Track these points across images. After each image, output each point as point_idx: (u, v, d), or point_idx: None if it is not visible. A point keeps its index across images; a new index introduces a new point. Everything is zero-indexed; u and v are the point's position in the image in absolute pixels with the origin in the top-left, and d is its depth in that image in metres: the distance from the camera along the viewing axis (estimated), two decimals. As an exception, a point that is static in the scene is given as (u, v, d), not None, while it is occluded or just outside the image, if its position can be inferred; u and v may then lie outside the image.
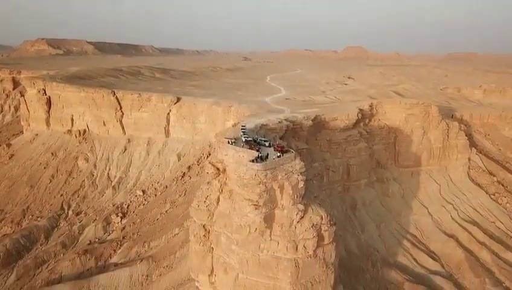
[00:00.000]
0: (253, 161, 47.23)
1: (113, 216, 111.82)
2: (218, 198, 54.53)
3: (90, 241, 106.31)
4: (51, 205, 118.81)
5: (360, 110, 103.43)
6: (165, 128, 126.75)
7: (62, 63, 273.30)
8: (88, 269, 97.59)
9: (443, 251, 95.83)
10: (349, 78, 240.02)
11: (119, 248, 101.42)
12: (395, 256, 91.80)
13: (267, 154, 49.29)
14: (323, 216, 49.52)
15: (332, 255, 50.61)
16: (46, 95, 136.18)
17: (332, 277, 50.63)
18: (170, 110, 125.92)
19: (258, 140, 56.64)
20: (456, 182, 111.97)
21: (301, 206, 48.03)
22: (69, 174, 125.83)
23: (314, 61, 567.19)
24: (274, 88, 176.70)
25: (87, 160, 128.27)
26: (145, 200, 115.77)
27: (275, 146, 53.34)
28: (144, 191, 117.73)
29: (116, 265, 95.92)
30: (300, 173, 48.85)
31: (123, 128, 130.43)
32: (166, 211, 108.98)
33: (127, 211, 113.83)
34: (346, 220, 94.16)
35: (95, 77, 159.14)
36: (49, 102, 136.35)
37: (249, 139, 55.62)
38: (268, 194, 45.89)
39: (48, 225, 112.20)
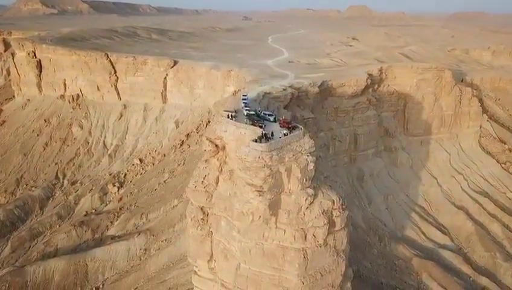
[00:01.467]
0: (256, 140, 41.24)
1: (110, 186, 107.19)
2: (218, 178, 48.98)
3: (86, 212, 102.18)
4: (46, 174, 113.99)
5: (369, 75, 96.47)
6: (162, 93, 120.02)
7: (55, 23, 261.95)
8: (84, 242, 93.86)
9: (452, 224, 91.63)
10: (353, 39, 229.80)
11: (117, 220, 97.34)
12: (403, 230, 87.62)
13: (272, 132, 43.23)
14: (335, 200, 44.09)
15: (343, 241, 45.59)
16: (36, 58, 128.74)
17: (343, 264, 45.85)
18: (167, 75, 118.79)
19: (262, 114, 50.40)
20: (466, 151, 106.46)
21: (311, 191, 42.52)
22: (63, 142, 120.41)
23: (317, 21, 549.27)
24: (276, 50, 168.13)
25: (81, 127, 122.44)
26: (142, 169, 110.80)
27: (281, 121, 47.15)
28: (141, 160, 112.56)
29: (113, 238, 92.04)
30: (310, 153, 43.02)
31: (118, 93, 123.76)
32: (164, 181, 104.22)
33: (124, 180, 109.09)
34: (352, 192, 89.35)
35: (88, 39, 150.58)
36: (39, 65, 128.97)
37: (252, 112, 49.36)
38: (274, 178, 40.25)
39: (42, 195, 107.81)
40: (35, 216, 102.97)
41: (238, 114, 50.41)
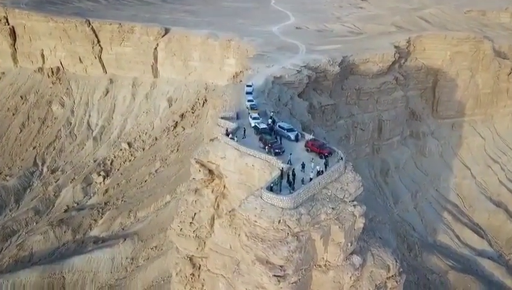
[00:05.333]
0: (272, 186, 24.45)
1: (95, 175, 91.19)
2: (213, 218, 32.63)
3: (67, 206, 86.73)
4: (22, 160, 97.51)
5: (396, 48, 77.85)
6: (152, 66, 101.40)
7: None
8: (64, 244, 78.94)
9: (490, 224, 76.64)
10: (363, 0, 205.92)
11: (101, 218, 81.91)
12: (435, 234, 72.42)
13: (293, 170, 26.05)
14: (391, 265, 27.92)
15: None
16: (8, 25, 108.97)
17: None
18: (157, 45, 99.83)
19: (277, 126, 33.20)
20: (502, 135, 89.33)
21: (357, 260, 26.36)
22: (43, 122, 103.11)
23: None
24: (281, 13, 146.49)
25: (62, 105, 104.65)
26: (131, 155, 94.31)
27: (309, 144, 30.14)
28: (129, 144, 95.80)
29: (96, 242, 76.81)
30: (357, 200, 26.50)
31: (103, 66, 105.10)
32: (155, 171, 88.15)
33: (110, 168, 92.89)
34: (376, 189, 73.30)
35: (69, 2, 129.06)
36: (13, 33, 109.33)
37: (263, 125, 32.21)
38: (303, 252, 23.97)
39: (18, 185, 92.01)
40: (10, 211, 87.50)
41: (240, 124, 33.17)
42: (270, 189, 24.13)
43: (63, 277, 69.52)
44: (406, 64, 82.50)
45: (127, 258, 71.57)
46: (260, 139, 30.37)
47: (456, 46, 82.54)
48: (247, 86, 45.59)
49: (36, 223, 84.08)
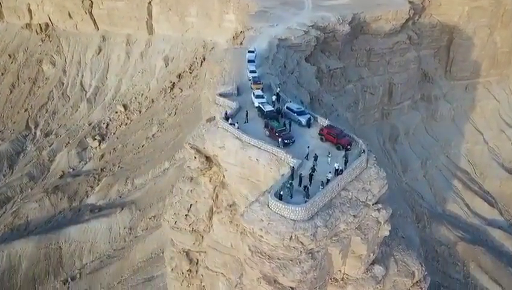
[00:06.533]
0: (281, 194, 19.84)
1: (90, 139, 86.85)
2: (211, 210, 28.46)
3: (62, 172, 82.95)
4: (14, 122, 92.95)
5: (411, 3, 70.71)
6: (147, 22, 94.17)
7: None
8: (60, 212, 75.95)
9: (501, 192, 73.15)
10: None
11: (97, 184, 78.41)
12: (444, 203, 69.08)
13: (312, 168, 21.54)
14: (416, 271, 24.06)
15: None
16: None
17: None
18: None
19: (285, 108, 28.15)
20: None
21: (380, 271, 22.40)
22: (33, 83, 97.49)
23: None
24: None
25: (53, 64, 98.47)
26: (127, 118, 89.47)
27: (324, 131, 25.23)
28: (125, 106, 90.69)
29: (93, 209, 73.69)
30: (381, 201, 22.12)
31: (95, 22, 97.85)
32: (153, 136, 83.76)
33: (105, 132, 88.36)
34: (384, 156, 68.87)
35: None
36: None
37: (269, 108, 27.14)
38: (318, 269, 19.88)
39: (11, 149, 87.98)
40: (4, 176, 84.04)
41: (242, 103, 28.25)
42: (279, 197, 19.65)
43: (60, 247, 66.99)
44: (420, 21, 75.55)
45: (124, 228, 68.80)
46: (266, 126, 25.54)
47: (475, 0, 75.13)
48: (249, 51, 39.98)
49: (31, 190, 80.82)
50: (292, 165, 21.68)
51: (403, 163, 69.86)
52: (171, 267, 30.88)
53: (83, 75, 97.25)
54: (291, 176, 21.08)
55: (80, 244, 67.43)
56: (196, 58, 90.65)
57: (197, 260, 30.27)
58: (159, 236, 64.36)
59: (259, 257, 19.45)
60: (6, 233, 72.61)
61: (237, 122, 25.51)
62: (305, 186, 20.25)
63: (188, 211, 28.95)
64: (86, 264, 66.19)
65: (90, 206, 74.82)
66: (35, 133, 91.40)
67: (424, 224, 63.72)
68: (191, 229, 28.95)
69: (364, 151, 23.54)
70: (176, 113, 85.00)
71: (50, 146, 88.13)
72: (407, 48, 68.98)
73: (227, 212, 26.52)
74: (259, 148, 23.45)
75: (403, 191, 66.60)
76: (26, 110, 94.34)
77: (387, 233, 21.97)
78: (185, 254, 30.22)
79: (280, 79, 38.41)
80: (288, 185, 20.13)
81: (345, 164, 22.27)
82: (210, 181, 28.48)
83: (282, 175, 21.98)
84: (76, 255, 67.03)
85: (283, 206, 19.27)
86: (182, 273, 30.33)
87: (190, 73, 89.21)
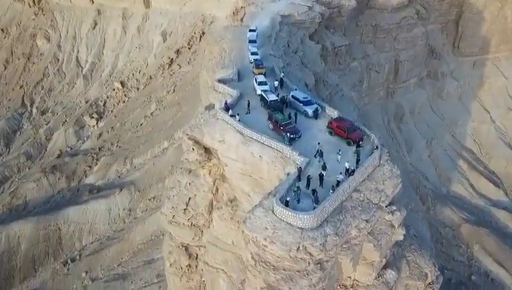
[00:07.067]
0: (287, 201, 17.90)
1: (87, 118, 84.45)
2: (211, 204, 26.76)
3: (60, 151, 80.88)
4: (10, 100, 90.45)
5: (419, -26, 67.14)
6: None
7: None
8: (59, 192, 74.53)
9: (507, 172, 71.69)
10: None
11: (96, 164, 76.72)
12: (449, 184, 67.63)
13: (323, 166, 19.56)
14: (429, 272, 22.55)
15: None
16: None
17: None
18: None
19: (290, 97, 25.90)
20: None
21: (392, 275, 20.84)
22: (28, 59, 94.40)
23: None
24: None
25: (48, 39, 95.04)
26: (125, 95, 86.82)
27: (334, 125, 23.03)
28: (122, 83, 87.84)
29: (92, 189, 72.23)
30: (394, 197, 20.31)
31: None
32: (151, 114, 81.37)
33: (103, 110, 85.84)
34: (388, 136, 67.00)
35: None
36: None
37: (272, 98, 24.85)
38: (327, 279, 18.23)
39: (7, 127, 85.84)
40: (0, 155, 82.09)
41: (243, 90, 26.06)
42: (286, 203, 17.77)
43: (59, 228, 65.95)
44: (427, -7, 72.03)
45: (124, 209, 67.60)
46: (269, 118, 23.42)
47: (487, -28, 71.52)
48: (251, 30, 37.37)
49: (29, 169, 79.24)
50: (299, 165, 19.71)
51: (407, 143, 68.04)
52: (169, 262, 29.48)
53: (78, 51, 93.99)
54: (298, 177, 19.22)
55: (79, 226, 66.39)
56: (195, 33, 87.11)
57: (197, 254, 28.83)
58: (158, 218, 62.81)
59: (263, 267, 17.83)
60: (5, 213, 71.45)
61: (238, 114, 23.35)
62: (313, 190, 18.39)
63: (187, 205, 27.27)
64: (86, 245, 65.37)
65: (89, 186, 73.34)
66: (31, 110, 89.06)
67: (428, 206, 62.45)
68: (189, 224, 27.36)
69: (377, 147, 21.57)
70: (174, 90, 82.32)
71: (47, 124, 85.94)
72: (414, 23, 65.95)
73: (227, 208, 24.82)
74: (263, 143, 21.47)
75: (408, 172, 64.92)
76: (21, 87, 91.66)
77: (401, 237, 20.34)
78: (184, 248, 28.75)
79: (283, 60, 36.00)
80: (295, 189, 18.27)
81: (357, 162, 20.34)
82: (209, 174, 26.66)
83: (288, 174, 20.11)
84: (76, 237, 66.11)
85: (290, 213, 17.43)
86: (181, 268, 28.96)
87: (189, 48, 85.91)
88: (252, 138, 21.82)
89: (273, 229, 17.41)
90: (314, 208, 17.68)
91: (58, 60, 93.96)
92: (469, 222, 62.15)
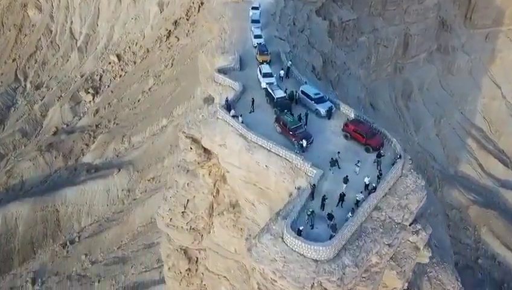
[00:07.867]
0: (300, 231, 15.16)
1: (83, 93, 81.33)
2: (211, 206, 24.37)
3: (56, 128, 78.23)
4: (2, 74, 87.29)
5: None
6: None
7: None
8: (56, 171, 72.37)
9: (517, 150, 68.61)
10: None
11: (93, 142, 74.20)
12: (457, 164, 65.20)
13: (343, 193, 16.57)
14: (452, 288, 20.42)
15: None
16: None
17: None
18: None
19: (300, 92, 22.84)
20: (541, 47, 76.85)
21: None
22: (19, 30, 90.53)
23: None
24: None
25: (39, 9, 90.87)
26: (121, 69, 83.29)
27: (351, 128, 19.99)
28: (119, 57, 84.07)
29: (89, 168, 70.01)
30: (418, 213, 17.84)
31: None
32: (149, 90, 78.10)
33: (99, 85, 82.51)
34: (395, 114, 64.10)
35: None
36: None
37: (279, 94, 21.81)
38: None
39: (1, 103, 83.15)
40: (-5, 132, 79.51)
41: (246, 83, 23.06)
42: (298, 232, 15.19)
43: (57, 209, 64.18)
44: (440, -40, 67.08)
45: (122, 190, 65.60)
46: (277, 120, 20.50)
47: None
48: (253, 8, 33.83)
49: (24, 147, 77.05)
50: (312, 181, 16.94)
51: (415, 121, 65.13)
52: (168, 266, 27.43)
53: (72, 22, 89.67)
54: (311, 195, 16.63)
55: (77, 207, 64.58)
56: (193, 3, 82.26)
57: (197, 258, 26.75)
58: (158, 200, 60.64)
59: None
60: (2, 193, 69.73)
61: (241, 115, 20.41)
62: (329, 214, 15.79)
63: (185, 207, 24.87)
64: (85, 227, 63.77)
65: (87, 165, 71.15)
66: (25, 85, 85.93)
67: (435, 187, 60.26)
68: (188, 228, 25.09)
69: (400, 156, 18.83)
70: (172, 64, 78.60)
71: (41, 100, 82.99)
72: (426, -6, 61.55)
73: (229, 215, 22.42)
74: (269, 150, 18.73)
75: (415, 152, 62.28)
76: (14, 60, 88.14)
77: (426, 261, 18.00)
78: (183, 251, 26.62)
79: (290, 42, 32.65)
80: (309, 213, 15.71)
81: (378, 176, 17.65)
82: (209, 174, 24.11)
83: (299, 188, 17.49)
84: (74, 218, 64.43)
85: (303, 244, 14.96)
86: (180, 272, 26.96)
87: (187, 20, 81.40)
88: (257, 143, 19.07)
89: (284, 261, 14.97)
90: (330, 237, 15.20)
91: (51, 31, 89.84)
92: (477, 203, 60.20)
